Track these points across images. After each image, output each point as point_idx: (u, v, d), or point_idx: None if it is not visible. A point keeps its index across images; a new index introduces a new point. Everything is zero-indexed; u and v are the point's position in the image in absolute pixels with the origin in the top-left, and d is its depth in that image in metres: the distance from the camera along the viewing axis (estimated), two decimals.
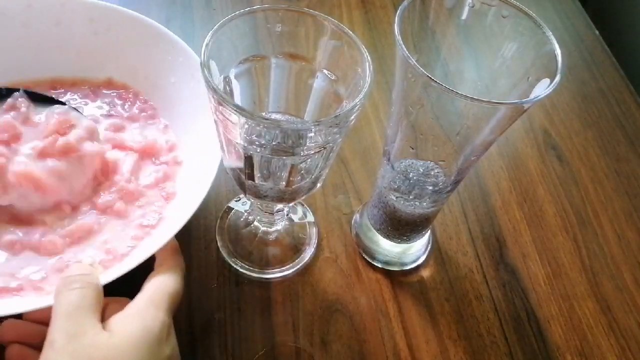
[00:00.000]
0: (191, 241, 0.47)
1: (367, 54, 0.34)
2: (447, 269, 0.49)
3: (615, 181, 0.57)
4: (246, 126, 0.32)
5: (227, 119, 0.32)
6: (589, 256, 0.51)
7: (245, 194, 0.39)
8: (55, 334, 0.28)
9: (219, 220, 0.48)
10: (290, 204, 0.40)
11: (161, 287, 0.33)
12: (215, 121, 0.34)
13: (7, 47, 0.49)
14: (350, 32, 0.35)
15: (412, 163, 0.41)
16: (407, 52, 0.33)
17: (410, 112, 0.37)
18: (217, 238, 0.47)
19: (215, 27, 0.33)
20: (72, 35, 0.50)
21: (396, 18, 0.34)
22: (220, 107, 0.31)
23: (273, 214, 0.43)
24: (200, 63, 0.32)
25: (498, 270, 0.49)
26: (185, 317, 0.43)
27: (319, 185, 0.39)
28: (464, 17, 0.37)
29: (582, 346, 0.46)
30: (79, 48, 0.50)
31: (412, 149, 0.40)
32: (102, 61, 0.51)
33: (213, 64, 0.33)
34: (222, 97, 0.30)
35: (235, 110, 0.30)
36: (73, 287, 0.31)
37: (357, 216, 0.50)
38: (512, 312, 0.47)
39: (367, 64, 0.33)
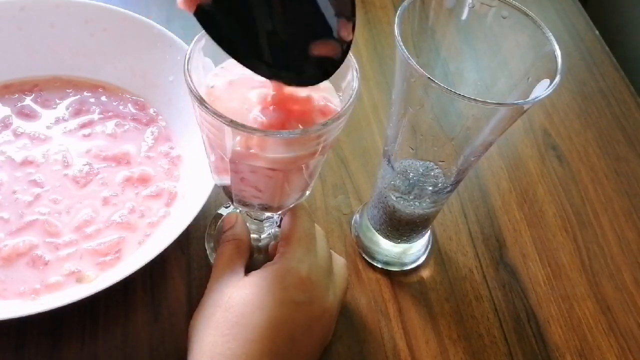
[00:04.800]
0: (191, 241, 0.47)
1: (356, 64, 0.33)
2: (447, 269, 0.49)
3: (615, 181, 0.57)
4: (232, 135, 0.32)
5: (214, 127, 0.31)
6: (589, 256, 0.51)
7: (232, 203, 0.39)
8: (214, 272, 0.39)
9: (207, 227, 0.47)
10: (278, 213, 0.40)
11: (287, 236, 0.38)
12: (202, 131, 0.34)
13: (1, 50, 0.49)
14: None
15: (412, 163, 0.41)
16: (407, 53, 0.33)
17: (410, 113, 0.37)
18: (206, 246, 0.46)
19: (199, 35, 0.32)
20: (67, 36, 0.50)
21: (396, 18, 0.34)
22: (207, 116, 0.30)
23: (262, 221, 0.43)
24: (184, 71, 0.31)
25: (498, 270, 0.49)
26: (186, 317, 0.43)
27: (307, 192, 0.39)
28: (464, 17, 0.37)
29: (582, 346, 0.46)
30: (75, 49, 0.50)
31: (412, 149, 0.40)
32: (99, 62, 0.51)
33: (199, 72, 0.33)
34: (207, 107, 0.30)
35: (219, 119, 0.30)
36: (227, 242, 0.40)
37: (357, 216, 0.50)
38: (512, 312, 0.47)
39: (354, 72, 0.33)
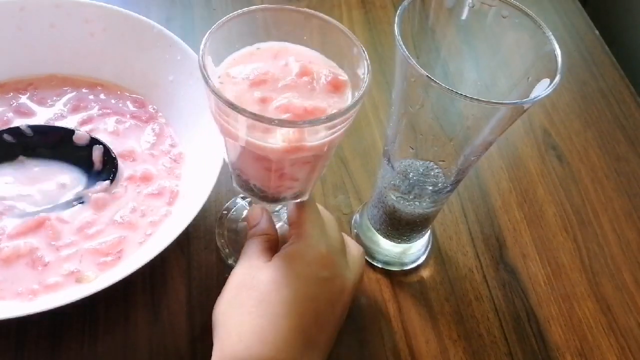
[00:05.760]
0: (191, 241, 0.47)
1: (366, 54, 0.33)
2: (447, 269, 0.49)
3: (615, 181, 0.57)
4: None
5: (231, 119, 0.32)
6: (589, 256, 0.51)
7: (253, 198, 0.39)
8: (241, 263, 0.38)
9: (217, 221, 0.48)
10: (278, 206, 0.40)
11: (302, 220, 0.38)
12: (217, 121, 0.34)
13: (1, 50, 0.49)
14: (348, 31, 0.34)
15: (412, 163, 0.41)
16: (407, 53, 0.33)
17: (410, 112, 0.37)
18: (217, 239, 0.47)
19: (212, 28, 0.33)
20: (67, 36, 0.50)
21: (396, 18, 0.34)
22: (224, 108, 0.31)
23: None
24: (199, 65, 0.32)
25: (498, 270, 0.49)
26: (186, 316, 0.43)
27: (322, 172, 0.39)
28: (464, 17, 0.37)
29: (582, 346, 0.46)
30: (75, 49, 0.50)
31: (412, 149, 0.40)
32: (99, 62, 0.51)
33: (211, 65, 0.33)
34: (223, 98, 0.30)
35: (233, 109, 0.30)
36: (254, 237, 0.39)
37: (357, 216, 0.50)
38: (512, 312, 0.47)
39: (365, 62, 0.33)
